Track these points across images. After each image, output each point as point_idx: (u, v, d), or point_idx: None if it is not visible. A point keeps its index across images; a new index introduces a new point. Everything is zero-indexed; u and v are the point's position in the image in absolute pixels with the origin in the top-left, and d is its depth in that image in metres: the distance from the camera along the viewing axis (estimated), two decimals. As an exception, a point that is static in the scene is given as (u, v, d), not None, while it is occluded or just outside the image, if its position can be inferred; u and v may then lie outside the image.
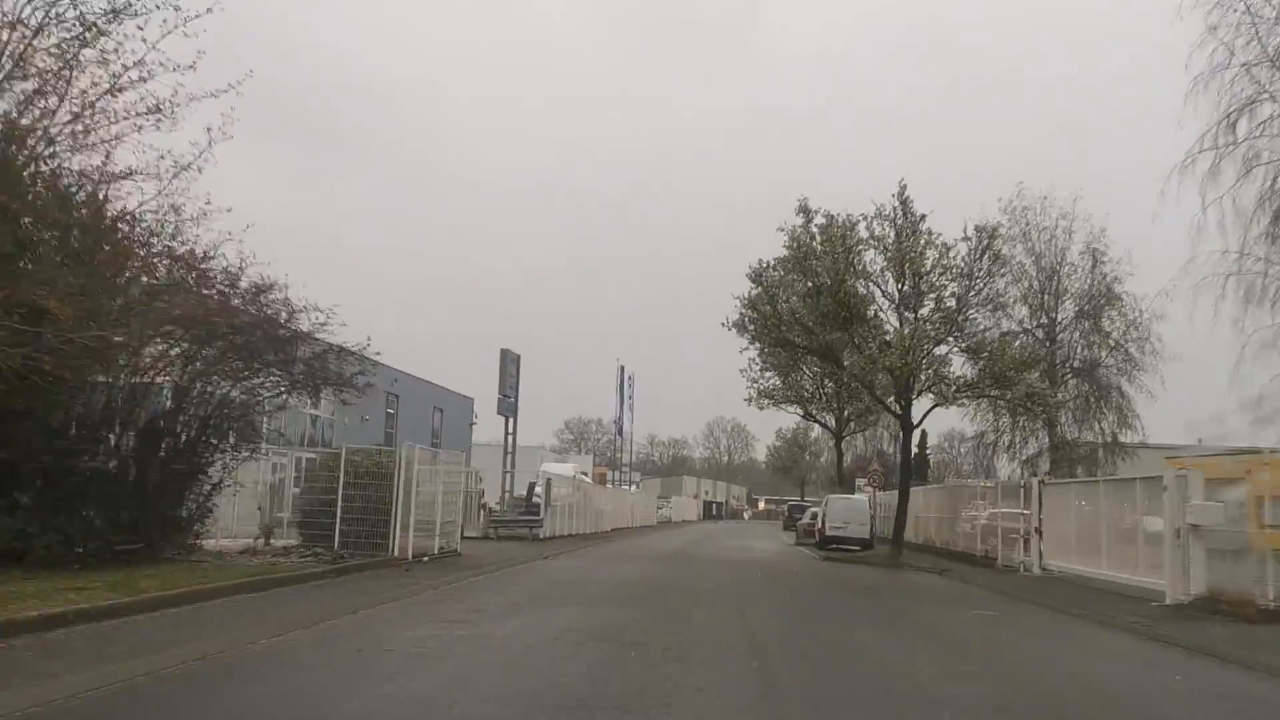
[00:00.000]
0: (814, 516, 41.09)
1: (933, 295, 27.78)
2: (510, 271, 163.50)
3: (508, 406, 37.52)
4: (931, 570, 25.58)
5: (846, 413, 46.53)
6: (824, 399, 44.05)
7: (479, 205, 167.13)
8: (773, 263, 28.34)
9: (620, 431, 58.25)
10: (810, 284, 26.85)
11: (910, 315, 27.86)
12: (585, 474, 61.14)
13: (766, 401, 43.29)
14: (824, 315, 27.66)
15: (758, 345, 32.08)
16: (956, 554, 29.86)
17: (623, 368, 59.33)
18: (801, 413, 46.40)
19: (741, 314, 29.65)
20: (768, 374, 43.70)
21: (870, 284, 27.53)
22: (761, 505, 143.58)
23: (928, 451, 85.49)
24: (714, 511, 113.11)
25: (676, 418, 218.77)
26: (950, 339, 28.30)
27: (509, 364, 37.29)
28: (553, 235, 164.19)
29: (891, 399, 32.04)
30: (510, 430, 38.43)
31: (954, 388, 28.64)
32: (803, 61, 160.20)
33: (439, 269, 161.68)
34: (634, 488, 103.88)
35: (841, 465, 50.73)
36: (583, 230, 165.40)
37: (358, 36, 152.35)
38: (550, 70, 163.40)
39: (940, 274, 27.40)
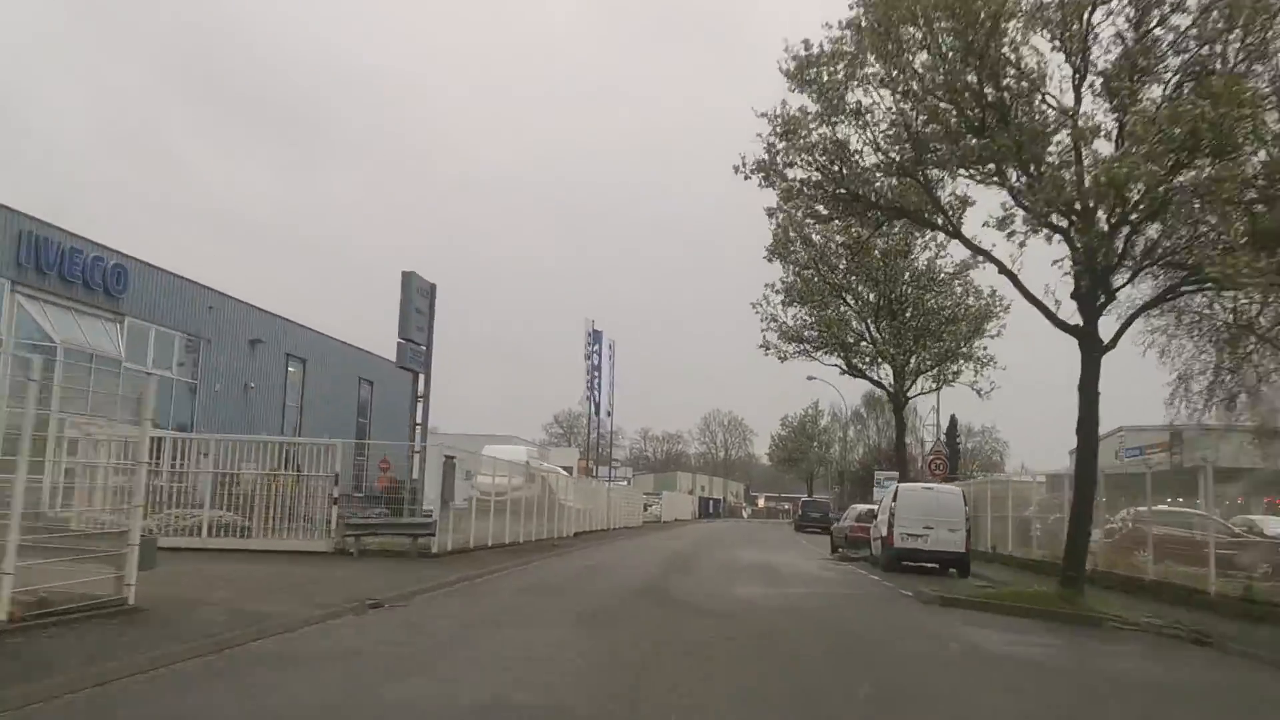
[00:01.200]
0: (866, 517, 28.88)
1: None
2: (498, 265, 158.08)
3: (413, 356, 25.49)
4: (1171, 632, 13.05)
5: (916, 360, 34.30)
6: (873, 347, 32.08)
7: (470, 198, 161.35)
8: (828, 45, 15.31)
9: (597, 409, 46.04)
10: (918, 60, 14.12)
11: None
12: (565, 468, 49.48)
13: (791, 350, 31.47)
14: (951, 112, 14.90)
15: (789, 210, 18.66)
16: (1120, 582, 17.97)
17: (597, 331, 47.27)
18: (843, 365, 34.29)
19: (769, 149, 16.42)
20: (793, 309, 31.95)
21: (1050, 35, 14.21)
22: (761, 503, 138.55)
23: (957, 439, 73.52)
24: (710, 509, 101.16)
25: (672, 414, 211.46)
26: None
27: (415, 295, 25.16)
28: (544, 229, 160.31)
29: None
30: (421, 392, 26.48)
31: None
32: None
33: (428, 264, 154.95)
34: (626, 483, 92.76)
35: (902, 439, 38.31)
36: (575, 225, 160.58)
37: (342, 26, 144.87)
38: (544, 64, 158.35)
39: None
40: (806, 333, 31.36)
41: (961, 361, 31.44)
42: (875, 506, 28.69)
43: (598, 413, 47.02)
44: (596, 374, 47.31)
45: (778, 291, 30.76)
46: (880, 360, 33.18)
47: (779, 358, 31.39)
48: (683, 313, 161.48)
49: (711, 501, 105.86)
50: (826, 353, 32.45)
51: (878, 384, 34.12)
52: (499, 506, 27.99)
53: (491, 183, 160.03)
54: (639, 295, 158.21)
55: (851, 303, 30.79)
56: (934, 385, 33.21)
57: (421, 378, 26.32)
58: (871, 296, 31.33)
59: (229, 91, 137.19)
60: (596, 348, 46.66)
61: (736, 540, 39.70)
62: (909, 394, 33.84)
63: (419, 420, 26.51)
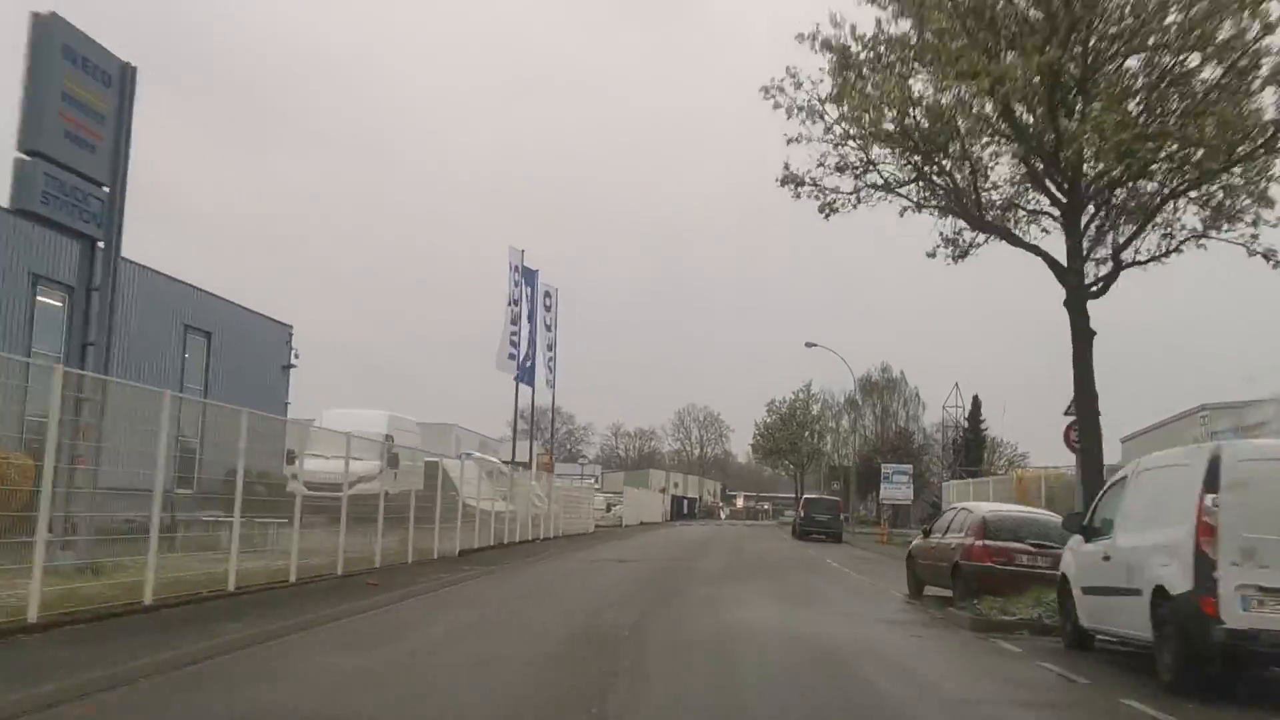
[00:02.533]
0: (1006, 530, 14.25)
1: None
2: (466, 260, 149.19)
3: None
4: None
5: (1122, 196, 17.51)
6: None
7: (439, 191, 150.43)
8: None
9: (524, 374, 32.51)
10: None
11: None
12: (511, 462, 37.08)
13: (849, 187, 17.72)
14: None
15: None
16: None
17: (529, 270, 34.09)
18: (970, 217, 17.87)
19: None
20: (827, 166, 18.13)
21: None
22: (740, 502, 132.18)
23: (982, 422, 61.49)
24: (685, 509, 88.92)
25: (645, 409, 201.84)
26: None
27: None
28: (512, 222, 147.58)
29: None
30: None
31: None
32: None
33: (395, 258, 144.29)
34: (593, 480, 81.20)
35: (1085, 353, 16.21)
36: (549, 218, 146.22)
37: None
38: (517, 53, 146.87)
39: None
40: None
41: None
42: (969, 510, 16.08)
43: (526, 380, 34.18)
44: (529, 326, 34.85)
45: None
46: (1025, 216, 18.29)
47: (820, 203, 17.36)
48: (657, 305, 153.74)
49: (686, 501, 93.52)
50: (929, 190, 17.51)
51: (1040, 253, 17.03)
52: (332, 505, 15.89)
53: (462, 172, 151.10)
54: (616, 286, 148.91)
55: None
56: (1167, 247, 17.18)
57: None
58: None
59: (178, 72, 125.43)
60: (527, 290, 34.18)
61: (722, 558, 26.92)
62: (1098, 285, 17.78)
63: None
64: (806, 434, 75.10)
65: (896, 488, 60.46)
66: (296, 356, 38.73)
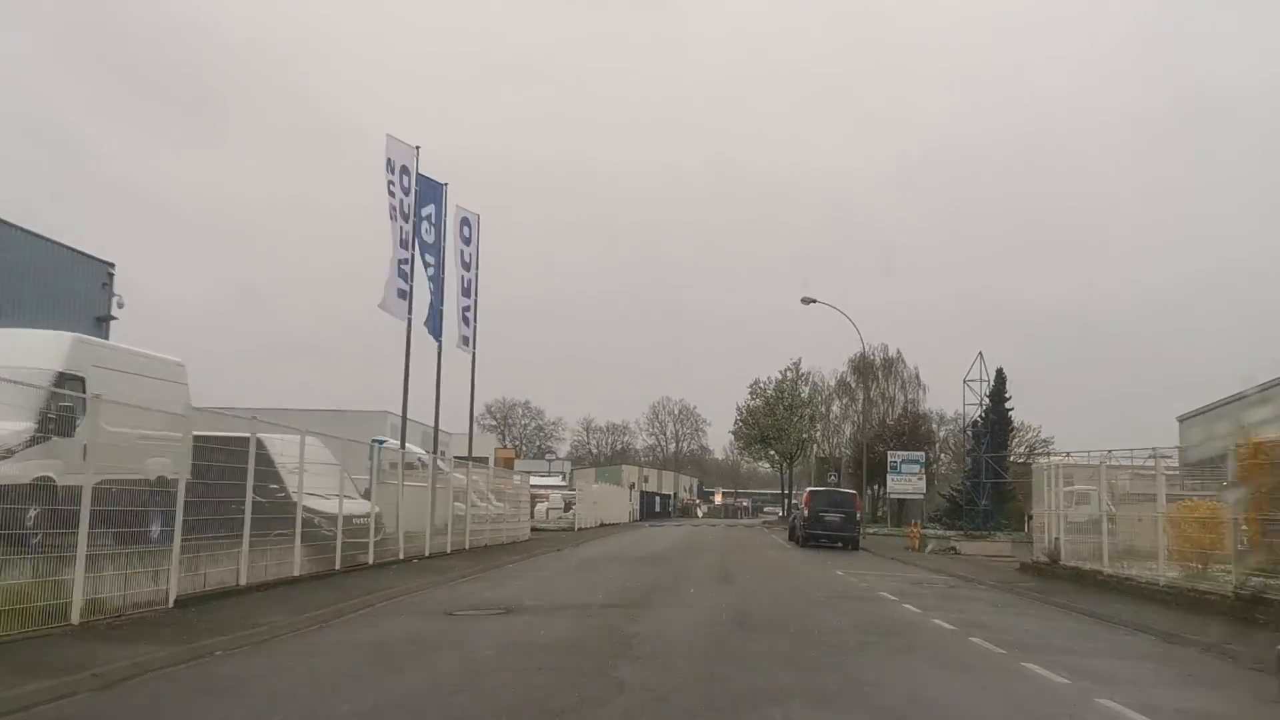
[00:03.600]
0: None
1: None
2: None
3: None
4: None
5: None
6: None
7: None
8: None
9: (432, 323, 22.63)
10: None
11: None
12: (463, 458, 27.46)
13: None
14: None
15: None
16: None
17: (433, 184, 23.52)
18: None
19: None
20: None
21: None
22: (719, 499, 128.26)
23: (1008, 401, 52.04)
24: (658, 507, 79.17)
25: (618, 404, 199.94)
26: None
27: None
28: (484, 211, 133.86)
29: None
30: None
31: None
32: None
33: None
34: (561, 478, 71.84)
35: None
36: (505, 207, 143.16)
37: None
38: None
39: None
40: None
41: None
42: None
43: (433, 332, 23.93)
44: (434, 260, 24.84)
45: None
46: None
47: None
48: (632, 298, 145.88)
49: (659, 498, 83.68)
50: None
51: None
52: None
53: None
54: (587, 275, 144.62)
55: None
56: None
57: None
58: None
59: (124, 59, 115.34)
60: (430, 210, 23.98)
61: (704, 596, 16.14)
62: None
63: None
64: (796, 418, 65.36)
65: (906, 479, 51.07)
66: (120, 305, 28.68)
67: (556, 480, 73.51)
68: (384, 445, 34.72)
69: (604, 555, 24.58)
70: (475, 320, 28.69)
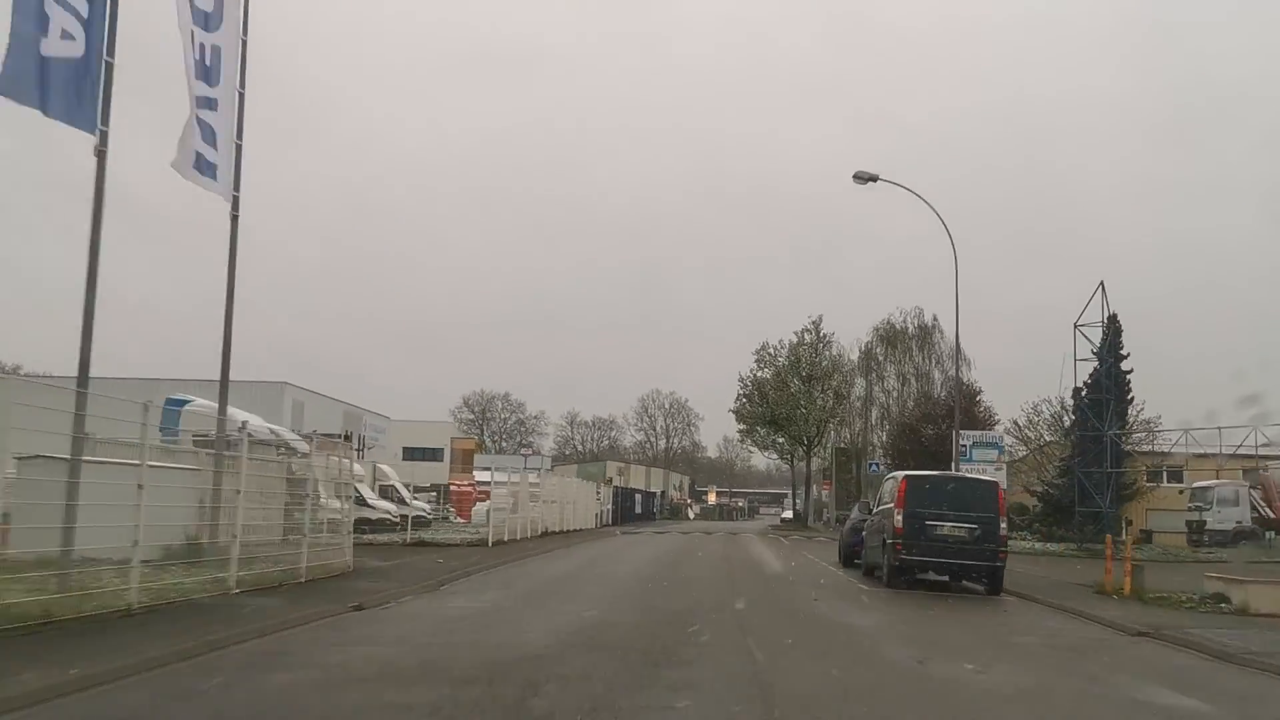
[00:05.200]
0: None
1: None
2: (414, 249, 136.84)
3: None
4: None
5: None
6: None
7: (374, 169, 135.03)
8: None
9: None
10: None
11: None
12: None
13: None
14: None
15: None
16: None
17: None
18: None
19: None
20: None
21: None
22: (712, 498, 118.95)
23: (1123, 360, 36.83)
24: (638, 508, 64.11)
25: (605, 404, 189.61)
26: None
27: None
28: (456, 203, 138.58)
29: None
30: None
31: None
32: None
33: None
34: (538, 474, 57.66)
35: None
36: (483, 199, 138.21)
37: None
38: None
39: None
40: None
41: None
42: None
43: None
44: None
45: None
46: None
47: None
48: (613, 291, 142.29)
49: (640, 497, 68.43)
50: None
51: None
52: None
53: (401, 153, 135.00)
54: (568, 268, 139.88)
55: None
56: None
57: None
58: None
59: None
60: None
61: None
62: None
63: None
64: (818, 393, 49.79)
65: (980, 470, 35.97)
66: None
67: (533, 477, 58.91)
68: (188, 408, 21.56)
69: (463, 632, 9.87)
70: (239, 162, 13.57)
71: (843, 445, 59.59)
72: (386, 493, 36.23)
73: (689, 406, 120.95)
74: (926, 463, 40.59)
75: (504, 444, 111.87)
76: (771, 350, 49.50)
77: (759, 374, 50.32)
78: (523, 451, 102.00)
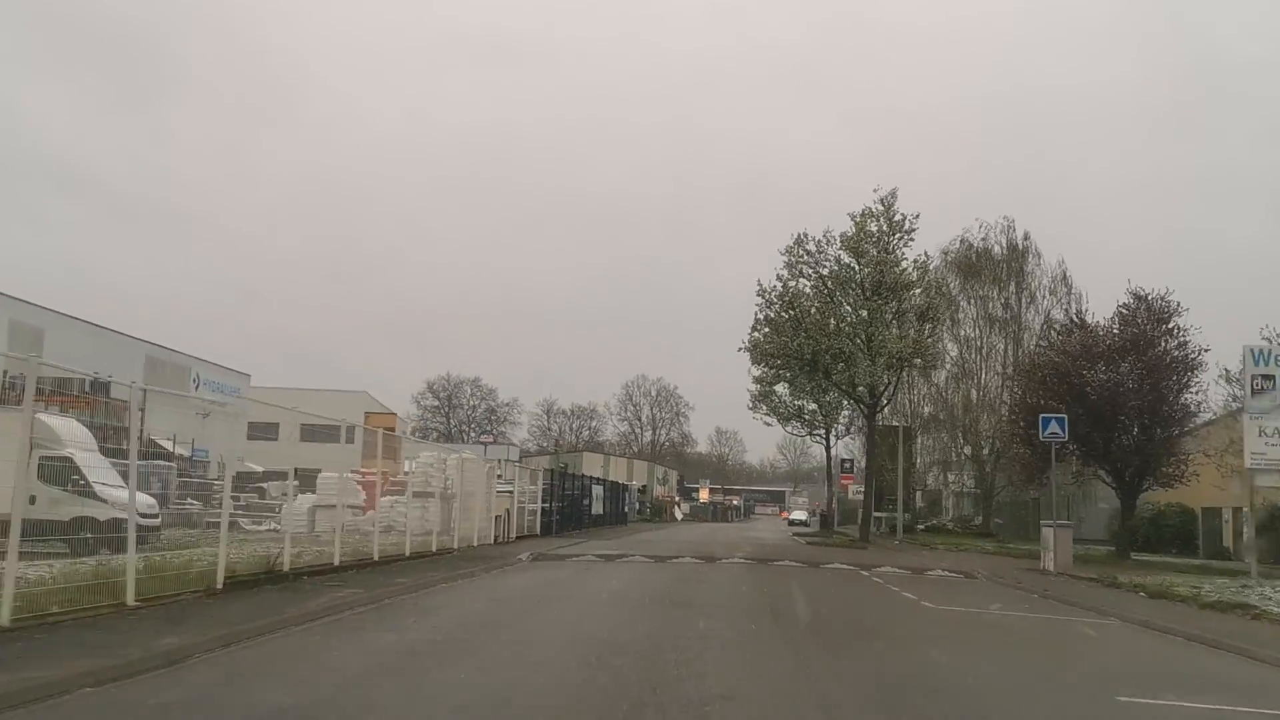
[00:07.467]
0: None
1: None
2: (393, 233, 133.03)
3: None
4: None
5: None
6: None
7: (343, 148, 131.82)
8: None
9: None
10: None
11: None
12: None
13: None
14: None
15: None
16: None
17: None
18: None
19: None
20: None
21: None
22: (705, 495, 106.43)
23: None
24: (603, 504, 45.42)
25: (588, 394, 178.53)
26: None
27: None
28: (435, 186, 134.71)
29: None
30: None
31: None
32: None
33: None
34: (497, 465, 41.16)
35: None
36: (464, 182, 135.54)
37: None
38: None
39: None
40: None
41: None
42: None
43: None
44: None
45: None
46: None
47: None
48: (596, 277, 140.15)
49: (608, 489, 49.49)
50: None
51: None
52: None
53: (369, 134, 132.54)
54: (547, 262, 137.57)
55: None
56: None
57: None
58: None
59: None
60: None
61: None
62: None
63: None
64: (892, 309, 29.19)
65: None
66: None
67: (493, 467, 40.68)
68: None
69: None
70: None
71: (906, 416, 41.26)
72: (60, 470, 17.69)
73: (678, 394, 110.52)
74: (1096, 425, 22.34)
75: (470, 433, 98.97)
76: (813, 247, 29.51)
77: (791, 283, 30.36)
78: (483, 439, 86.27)
